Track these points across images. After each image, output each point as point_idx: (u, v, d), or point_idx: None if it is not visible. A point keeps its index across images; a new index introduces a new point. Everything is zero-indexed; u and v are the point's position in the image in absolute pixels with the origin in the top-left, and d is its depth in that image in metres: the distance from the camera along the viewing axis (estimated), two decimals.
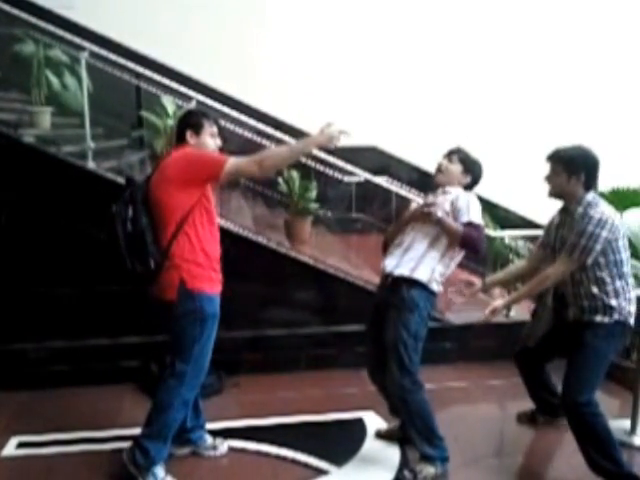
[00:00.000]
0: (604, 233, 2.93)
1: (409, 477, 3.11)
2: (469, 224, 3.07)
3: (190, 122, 3.10)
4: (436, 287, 3.16)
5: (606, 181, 4.95)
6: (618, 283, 3.04)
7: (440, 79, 7.38)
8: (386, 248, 3.35)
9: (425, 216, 3.12)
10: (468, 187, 3.30)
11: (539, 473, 3.30)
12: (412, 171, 7.42)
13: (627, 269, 3.07)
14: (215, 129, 3.14)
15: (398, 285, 3.13)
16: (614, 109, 7.52)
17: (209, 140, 3.09)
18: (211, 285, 3.01)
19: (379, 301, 3.29)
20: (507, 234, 5.08)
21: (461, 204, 3.14)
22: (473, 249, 3.12)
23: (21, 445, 3.45)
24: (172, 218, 2.90)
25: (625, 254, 3.05)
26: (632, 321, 3.11)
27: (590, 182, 3.08)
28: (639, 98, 7.68)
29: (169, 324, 3.01)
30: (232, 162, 2.91)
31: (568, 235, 3.08)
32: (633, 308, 3.11)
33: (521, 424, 3.82)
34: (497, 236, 5.29)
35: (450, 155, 3.32)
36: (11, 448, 3.41)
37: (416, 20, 7.34)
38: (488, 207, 6.55)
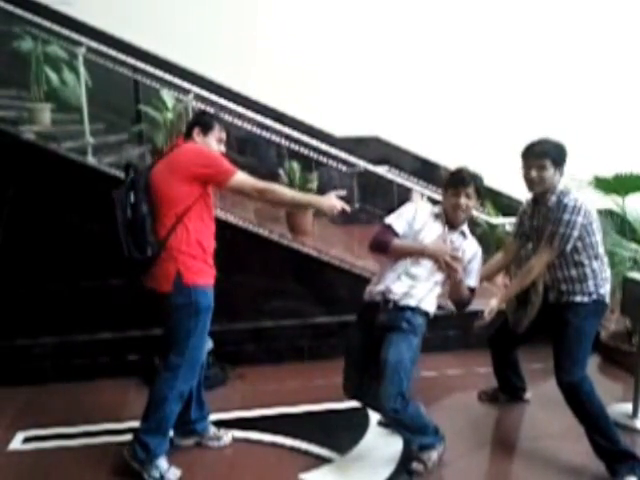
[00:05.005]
0: (580, 219, 3.04)
1: (420, 468, 3.12)
2: (472, 290, 3.19)
3: (200, 121, 3.14)
4: (432, 315, 3.23)
5: (609, 167, 5.00)
6: (595, 264, 3.16)
7: (442, 68, 7.33)
8: (380, 250, 3.18)
9: (449, 267, 3.05)
10: None
11: (543, 458, 3.31)
12: (415, 161, 7.42)
13: (602, 250, 3.19)
14: (224, 136, 3.17)
15: (402, 310, 3.09)
16: (616, 96, 7.47)
17: (214, 143, 3.11)
18: (205, 278, 3.01)
19: (374, 324, 3.12)
20: (507, 221, 5.09)
21: (474, 266, 3.21)
22: (460, 309, 3.25)
23: (27, 440, 3.48)
24: (172, 209, 2.90)
25: (599, 235, 3.15)
26: (608, 299, 3.24)
27: (563, 171, 3.18)
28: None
29: (163, 316, 3.02)
30: (239, 178, 2.95)
31: (543, 224, 3.19)
32: (609, 286, 3.24)
33: (482, 402, 3.96)
34: (498, 223, 5.32)
35: (466, 189, 3.09)
36: (17, 443, 3.45)
37: (418, 10, 7.29)
38: (492, 195, 6.57)
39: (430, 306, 3.16)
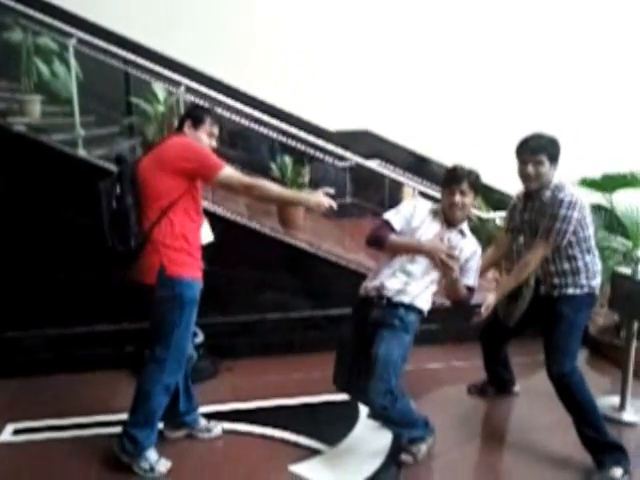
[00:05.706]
0: (575, 214, 3.04)
1: (409, 460, 3.14)
2: (470, 289, 3.16)
3: (192, 114, 3.13)
4: (425, 313, 3.21)
5: (598, 167, 5.04)
6: (587, 257, 3.18)
7: (434, 63, 7.34)
8: (377, 245, 3.18)
9: (444, 265, 3.04)
10: None
11: (531, 450, 3.34)
12: (406, 155, 7.43)
13: (593, 243, 3.22)
14: (216, 130, 3.15)
15: (395, 306, 3.08)
16: (606, 99, 7.50)
17: (205, 137, 3.09)
18: (190, 270, 2.99)
19: (368, 321, 3.13)
20: (498, 215, 5.12)
21: (472, 265, 3.18)
22: (457, 307, 3.24)
23: (17, 432, 3.48)
24: (157, 202, 2.90)
25: (591, 229, 3.18)
26: (598, 291, 3.28)
27: (557, 166, 3.17)
28: (630, 88, 7.67)
29: (148, 309, 3.00)
30: (227, 173, 2.93)
31: (537, 219, 3.20)
32: (599, 279, 3.26)
33: (471, 395, 3.99)
34: (489, 218, 5.35)
35: (460, 186, 3.08)
36: (7, 435, 3.45)
37: (409, 5, 7.29)
38: (483, 190, 6.60)
39: (424, 304, 3.15)
